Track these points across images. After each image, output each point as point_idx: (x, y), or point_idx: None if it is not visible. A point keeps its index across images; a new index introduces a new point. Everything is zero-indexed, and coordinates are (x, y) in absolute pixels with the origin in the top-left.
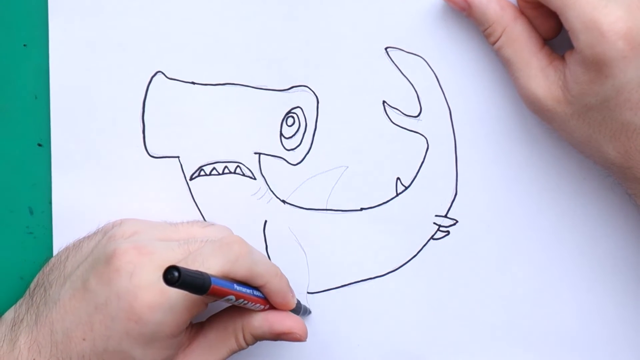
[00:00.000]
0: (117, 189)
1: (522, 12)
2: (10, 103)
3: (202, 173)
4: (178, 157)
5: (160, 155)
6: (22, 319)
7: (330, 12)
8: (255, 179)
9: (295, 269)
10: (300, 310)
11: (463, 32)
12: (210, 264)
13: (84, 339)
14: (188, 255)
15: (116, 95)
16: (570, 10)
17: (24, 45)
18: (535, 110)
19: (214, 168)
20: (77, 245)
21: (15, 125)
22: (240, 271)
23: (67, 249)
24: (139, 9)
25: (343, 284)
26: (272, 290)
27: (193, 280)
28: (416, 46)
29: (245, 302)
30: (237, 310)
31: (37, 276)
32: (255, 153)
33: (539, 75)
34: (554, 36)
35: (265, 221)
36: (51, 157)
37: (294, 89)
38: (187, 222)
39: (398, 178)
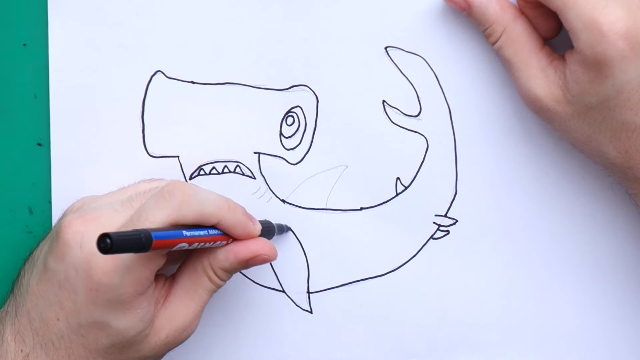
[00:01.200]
0: (116, 188)
1: (522, 12)
2: (10, 102)
3: (202, 172)
4: (178, 156)
5: (160, 155)
6: (7, 312)
7: (330, 11)
8: (254, 178)
9: (295, 269)
10: (273, 232)
11: (463, 32)
12: (155, 217)
13: (58, 319)
14: (133, 213)
15: (116, 94)
16: (570, 10)
17: (24, 44)
18: (535, 110)
19: (213, 167)
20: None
21: (15, 125)
22: (188, 216)
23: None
24: (139, 8)
25: (343, 283)
26: (228, 225)
27: (129, 242)
28: (416, 46)
29: (203, 244)
30: (204, 250)
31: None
32: (255, 152)
33: (539, 75)
34: (554, 36)
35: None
36: (51, 156)
37: (294, 88)
38: (134, 183)
39: (398, 178)
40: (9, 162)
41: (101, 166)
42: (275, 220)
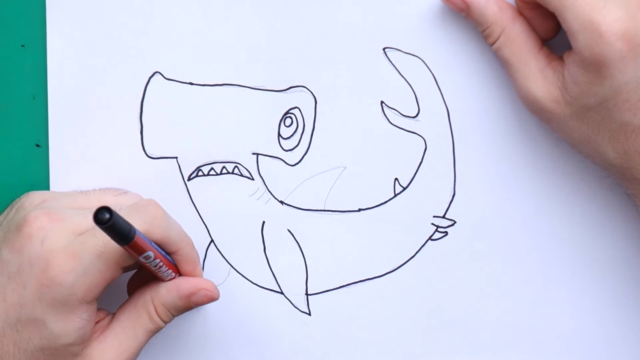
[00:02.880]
0: (111, 187)
1: (520, 12)
2: (8, 104)
3: (200, 173)
4: (176, 157)
5: (158, 156)
6: None
7: (328, 12)
8: (253, 179)
9: (294, 270)
10: None
11: (461, 32)
12: None
13: None
14: None
15: (114, 95)
16: (569, 11)
17: (22, 45)
18: (534, 111)
19: (212, 168)
20: None
21: (13, 126)
22: (156, 233)
23: None
24: (137, 9)
25: (342, 284)
26: (183, 257)
27: (120, 226)
28: (414, 47)
29: (161, 264)
30: (145, 287)
31: None
32: (253, 153)
33: (538, 75)
34: (553, 37)
35: (263, 222)
36: (49, 157)
37: (292, 89)
38: (99, 190)
39: (396, 179)
40: (7, 163)
41: (99, 167)
42: (274, 221)
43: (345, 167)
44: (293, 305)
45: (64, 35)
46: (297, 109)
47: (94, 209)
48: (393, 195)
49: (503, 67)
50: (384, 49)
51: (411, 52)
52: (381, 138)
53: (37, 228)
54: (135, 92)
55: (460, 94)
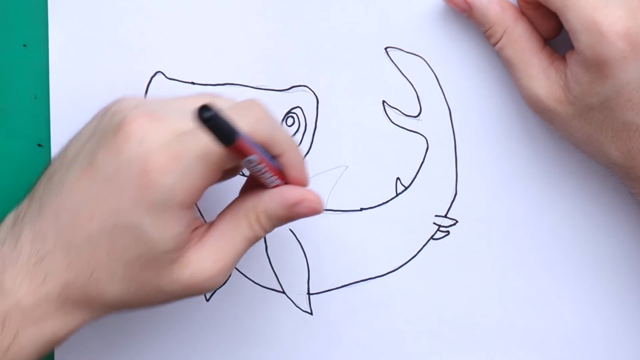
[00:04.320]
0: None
1: (522, 12)
2: (10, 103)
3: None
4: None
5: None
6: (25, 214)
7: (330, 12)
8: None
9: (296, 270)
10: None
11: (463, 32)
12: None
13: (91, 218)
14: None
15: (116, 95)
16: (570, 10)
17: (24, 45)
18: (537, 111)
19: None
20: (76, 134)
21: (15, 126)
22: (261, 134)
23: (67, 143)
24: (139, 9)
25: (343, 284)
26: (290, 161)
27: (224, 123)
28: (416, 46)
29: (265, 170)
30: (248, 193)
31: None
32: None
33: (540, 75)
34: (555, 36)
35: None
36: (51, 157)
37: (294, 89)
38: (196, 94)
39: (398, 178)
40: (9, 163)
41: None
42: None
43: (347, 167)
44: (295, 304)
45: (65, 34)
46: (298, 109)
47: (194, 110)
48: (395, 194)
49: (505, 67)
50: (385, 49)
51: (413, 52)
52: (383, 137)
53: (136, 128)
54: (138, 91)
55: (462, 94)
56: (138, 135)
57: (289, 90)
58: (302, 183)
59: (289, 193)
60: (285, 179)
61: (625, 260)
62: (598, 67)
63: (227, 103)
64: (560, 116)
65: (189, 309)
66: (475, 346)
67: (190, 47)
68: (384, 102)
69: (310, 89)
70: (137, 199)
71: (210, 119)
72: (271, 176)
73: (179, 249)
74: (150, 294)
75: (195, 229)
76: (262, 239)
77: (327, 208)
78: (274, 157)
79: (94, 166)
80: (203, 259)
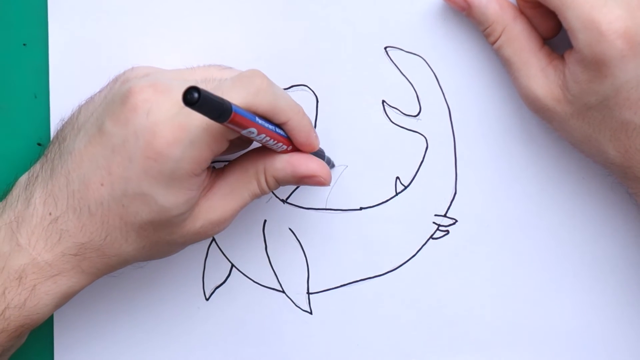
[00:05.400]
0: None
1: (521, 11)
2: (10, 103)
3: None
4: None
5: None
6: (37, 176)
7: (329, 11)
8: None
9: (295, 269)
10: (324, 157)
11: (462, 31)
12: (231, 97)
13: (102, 184)
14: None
15: None
16: (569, 9)
17: (24, 44)
18: (535, 110)
19: (213, 167)
20: (89, 98)
21: (15, 125)
22: (262, 104)
23: (79, 106)
24: (139, 8)
25: (343, 283)
26: (295, 127)
27: (213, 103)
28: (416, 46)
29: (268, 138)
30: (259, 152)
31: (51, 139)
32: None
33: (539, 74)
34: (554, 35)
35: (265, 221)
36: None
37: (294, 88)
38: (204, 65)
39: (397, 177)
40: (9, 162)
41: None
42: (275, 220)
43: (347, 166)
44: (294, 304)
45: (65, 34)
46: None
47: (198, 82)
48: (394, 194)
49: (504, 66)
50: (385, 48)
51: (412, 51)
52: (382, 137)
53: (143, 100)
54: None
55: (461, 93)
56: (145, 107)
57: (288, 90)
58: (310, 147)
59: (300, 167)
60: (292, 143)
61: (623, 259)
62: (596, 66)
63: (230, 73)
64: (558, 115)
65: (189, 308)
66: (475, 346)
67: (190, 47)
68: (383, 101)
69: (310, 89)
70: (146, 169)
71: (196, 101)
72: (276, 143)
73: (190, 208)
74: (164, 247)
75: (206, 174)
76: (262, 239)
77: (327, 207)
78: (279, 125)
79: (103, 133)
80: (212, 211)
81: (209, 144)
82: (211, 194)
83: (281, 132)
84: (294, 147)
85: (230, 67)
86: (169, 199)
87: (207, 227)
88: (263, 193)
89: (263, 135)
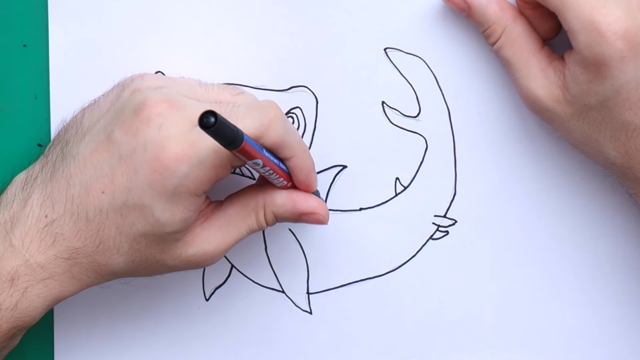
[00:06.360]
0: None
1: (521, 12)
2: (10, 103)
3: None
4: None
5: None
6: (36, 177)
7: (329, 12)
8: (254, 179)
9: (295, 269)
10: (319, 197)
11: (462, 32)
12: (244, 125)
13: (103, 192)
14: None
15: None
16: (569, 10)
17: (24, 45)
18: (535, 111)
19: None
20: (93, 102)
21: (15, 126)
22: (272, 137)
23: (82, 108)
24: (139, 9)
25: (342, 284)
26: (298, 165)
27: (227, 130)
28: (415, 47)
29: (271, 172)
30: (259, 187)
31: (51, 140)
32: None
33: (539, 75)
34: (554, 36)
35: None
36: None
37: (294, 89)
38: (217, 85)
39: (397, 178)
40: (9, 163)
41: None
42: None
43: (347, 167)
44: (294, 304)
45: (65, 34)
46: (298, 109)
47: (212, 104)
48: (394, 194)
49: (504, 67)
50: (385, 49)
51: (412, 52)
52: (382, 138)
53: (156, 114)
54: None
55: (461, 94)
56: (158, 121)
57: (288, 91)
58: (309, 187)
59: (300, 204)
60: (292, 181)
61: (623, 260)
62: (596, 66)
63: (244, 99)
64: (558, 116)
65: (189, 308)
66: (474, 346)
67: (190, 47)
68: (383, 102)
69: (310, 89)
70: (151, 182)
71: (212, 125)
72: (277, 177)
73: (185, 229)
74: (153, 266)
75: (205, 205)
76: (262, 239)
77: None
78: (283, 160)
79: (111, 141)
80: (208, 241)
81: (216, 166)
82: (208, 225)
83: (284, 167)
84: (293, 185)
85: (244, 91)
86: (166, 214)
87: (200, 256)
88: (260, 228)
89: (267, 168)
